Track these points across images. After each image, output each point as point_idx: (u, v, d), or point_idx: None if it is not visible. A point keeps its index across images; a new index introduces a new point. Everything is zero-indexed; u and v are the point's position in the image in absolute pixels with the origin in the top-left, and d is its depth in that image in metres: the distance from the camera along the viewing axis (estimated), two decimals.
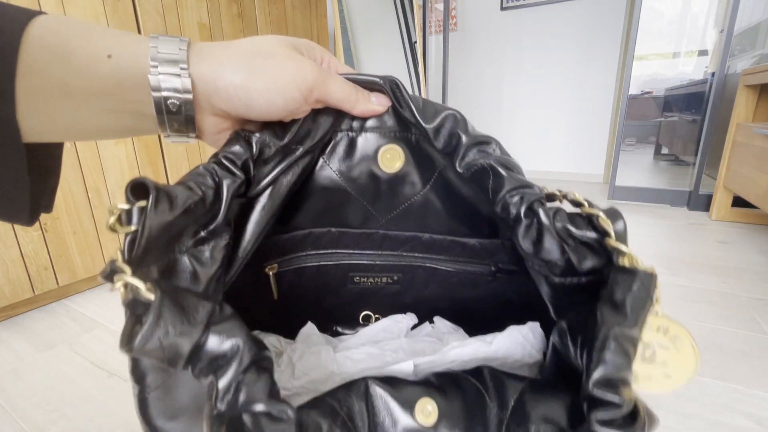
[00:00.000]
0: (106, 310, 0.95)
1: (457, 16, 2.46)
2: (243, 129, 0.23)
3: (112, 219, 0.17)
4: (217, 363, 0.16)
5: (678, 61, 1.73)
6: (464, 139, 0.24)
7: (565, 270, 0.20)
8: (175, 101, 0.20)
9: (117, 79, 0.19)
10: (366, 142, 0.27)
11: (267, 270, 0.31)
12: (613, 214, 0.19)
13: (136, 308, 0.15)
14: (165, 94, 0.20)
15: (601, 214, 0.19)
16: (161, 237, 0.18)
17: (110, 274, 0.16)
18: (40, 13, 0.19)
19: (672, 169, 1.86)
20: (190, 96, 0.20)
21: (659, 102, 1.82)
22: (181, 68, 0.20)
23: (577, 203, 0.21)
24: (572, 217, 0.20)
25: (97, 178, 1.00)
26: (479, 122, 2.57)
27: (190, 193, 0.19)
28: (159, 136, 1.13)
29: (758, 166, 1.19)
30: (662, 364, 0.18)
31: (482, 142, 0.24)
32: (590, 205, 0.20)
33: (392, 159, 0.27)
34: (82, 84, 0.19)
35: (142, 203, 0.17)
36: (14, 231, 0.87)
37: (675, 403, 0.59)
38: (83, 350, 0.78)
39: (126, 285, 0.15)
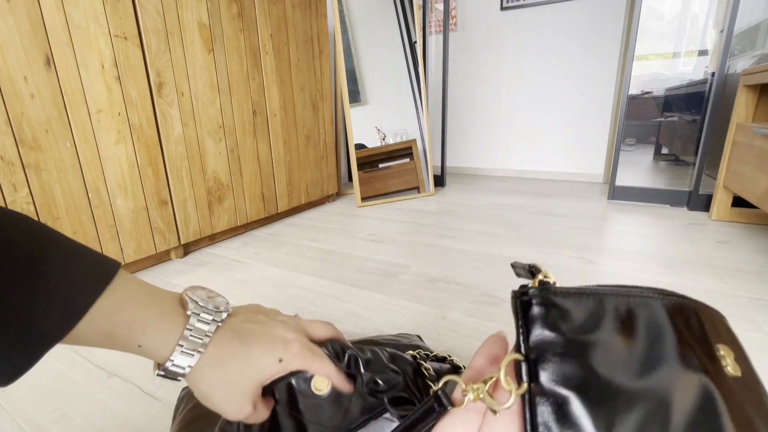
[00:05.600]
0: None
1: (457, 16, 2.46)
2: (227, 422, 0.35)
3: None
4: None
5: (678, 61, 1.74)
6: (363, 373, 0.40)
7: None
8: (174, 377, 0.29)
9: (143, 355, 0.29)
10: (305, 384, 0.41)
11: None
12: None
13: None
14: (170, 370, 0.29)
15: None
16: None
17: None
18: (114, 273, 0.27)
19: (672, 169, 1.86)
20: (182, 378, 0.30)
21: (659, 102, 1.82)
22: (187, 368, 0.29)
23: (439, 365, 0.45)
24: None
25: (97, 178, 1.00)
26: (479, 122, 2.57)
27: None
28: (158, 136, 1.13)
29: (758, 166, 1.19)
30: None
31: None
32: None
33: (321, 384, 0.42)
34: (118, 349, 0.28)
35: None
36: None
37: None
38: (83, 350, 0.78)
39: None
